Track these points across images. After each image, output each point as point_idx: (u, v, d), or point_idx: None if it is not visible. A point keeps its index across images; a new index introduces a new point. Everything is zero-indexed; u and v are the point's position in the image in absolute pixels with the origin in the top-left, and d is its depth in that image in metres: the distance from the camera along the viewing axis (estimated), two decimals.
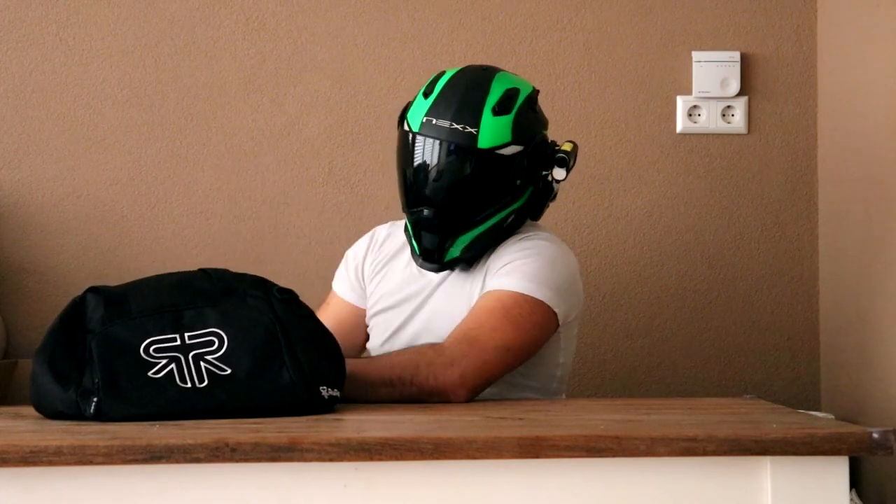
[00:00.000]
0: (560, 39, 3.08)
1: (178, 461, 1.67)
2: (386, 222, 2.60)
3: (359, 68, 3.06)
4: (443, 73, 2.41)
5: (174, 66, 3.05)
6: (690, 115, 3.07)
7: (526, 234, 2.40)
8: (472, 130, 2.30)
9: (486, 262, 2.38)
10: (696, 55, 3.06)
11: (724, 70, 3.06)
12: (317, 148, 3.06)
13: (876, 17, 2.74)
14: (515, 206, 2.37)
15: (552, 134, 2.99)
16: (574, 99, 3.07)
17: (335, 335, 2.29)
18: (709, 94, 3.06)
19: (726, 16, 3.08)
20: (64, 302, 3.04)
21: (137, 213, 3.04)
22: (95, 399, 1.88)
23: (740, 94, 3.07)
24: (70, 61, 3.04)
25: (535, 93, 2.41)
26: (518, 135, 2.33)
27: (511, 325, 2.25)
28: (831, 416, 2.74)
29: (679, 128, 3.07)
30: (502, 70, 2.43)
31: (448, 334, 2.25)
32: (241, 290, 2.04)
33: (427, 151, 2.33)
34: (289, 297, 2.06)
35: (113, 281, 3.02)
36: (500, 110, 2.32)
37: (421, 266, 2.40)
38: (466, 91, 2.34)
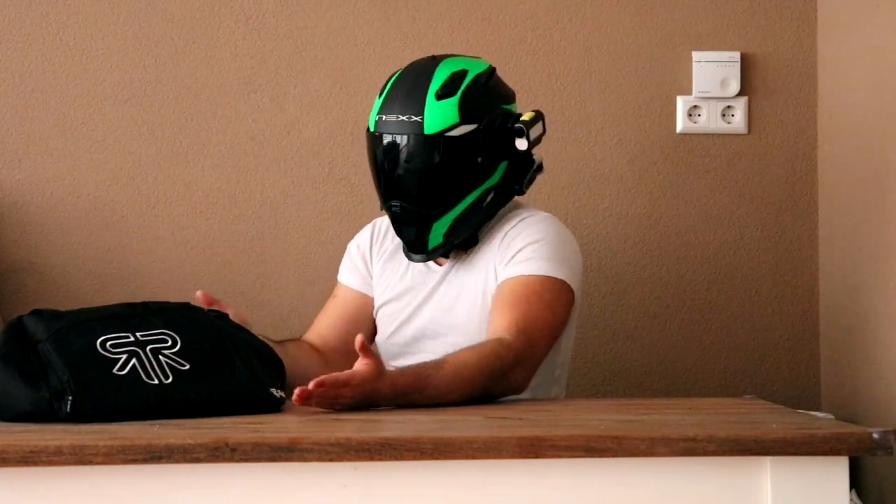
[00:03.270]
0: (560, 39, 3.07)
1: (178, 461, 1.68)
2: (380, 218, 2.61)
3: (359, 68, 3.06)
4: (396, 72, 2.46)
5: (174, 66, 3.05)
6: (690, 115, 3.07)
7: (525, 216, 2.43)
8: (418, 119, 2.35)
9: (492, 249, 2.40)
10: (696, 55, 3.06)
11: (724, 70, 3.05)
12: (317, 148, 3.06)
13: (876, 17, 2.74)
14: (489, 183, 2.40)
15: (553, 133, 2.99)
16: (574, 99, 3.07)
17: (347, 326, 2.41)
18: (709, 94, 3.05)
19: (726, 16, 3.08)
20: (64, 302, 3.05)
21: (137, 213, 3.04)
22: (70, 398, 1.86)
23: (740, 94, 3.07)
24: (70, 61, 3.04)
25: (488, 70, 2.44)
26: (467, 114, 2.36)
27: (549, 311, 2.31)
28: (831, 416, 2.74)
29: (679, 128, 3.07)
30: (454, 55, 2.47)
31: (495, 325, 2.27)
32: (176, 307, 2.09)
33: (384, 148, 2.37)
34: (222, 314, 2.14)
35: (113, 280, 3.04)
36: (443, 93, 2.36)
37: (410, 259, 2.42)
38: (411, 83, 2.39)
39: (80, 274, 3.03)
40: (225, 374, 2.00)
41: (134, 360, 1.93)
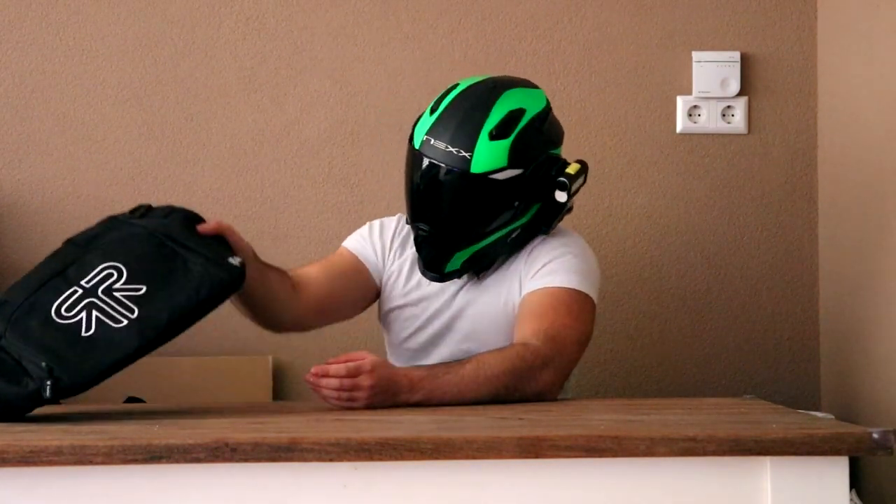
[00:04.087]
0: (560, 39, 3.07)
1: (178, 461, 1.68)
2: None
3: (359, 68, 3.06)
4: (455, 86, 2.41)
5: (174, 66, 3.05)
6: (690, 115, 3.07)
7: (553, 234, 2.44)
8: (466, 155, 2.31)
9: (519, 261, 2.41)
10: (696, 55, 3.06)
11: (724, 70, 3.05)
12: (317, 148, 3.06)
13: (876, 17, 2.74)
14: (519, 223, 2.39)
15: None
16: (574, 99, 3.07)
17: (334, 279, 2.42)
18: (709, 94, 3.05)
19: (726, 16, 3.08)
20: None
21: None
22: (49, 382, 1.84)
23: (740, 94, 3.07)
24: (70, 61, 3.04)
25: (545, 110, 2.41)
26: (516, 159, 2.33)
27: (577, 320, 2.32)
28: (831, 416, 2.74)
29: (679, 128, 3.07)
30: (515, 86, 2.41)
31: (523, 332, 2.29)
32: (103, 231, 2.03)
33: (425, 170, 2.34)
34: (142, 212, 2.07)
35: None
36: (497, 134, 2.32)
37: (424, 276, 2.42)
38: (467, 112, 2.34)
39: None
40: (180, 274, 1.95)
41: (95, 313, 1.89)
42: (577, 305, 2.34)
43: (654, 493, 1.73)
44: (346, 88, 3.05)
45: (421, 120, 2.39)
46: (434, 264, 2.39)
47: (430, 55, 3.06)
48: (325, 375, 2.09)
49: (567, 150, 3.02)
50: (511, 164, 2.33)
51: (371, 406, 2.10)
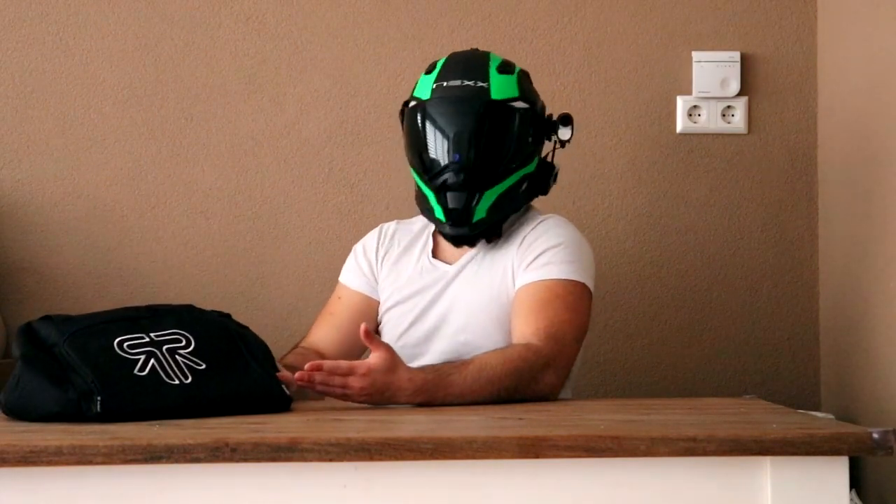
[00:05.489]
0: (560, 39, 3.08)
1: (178, 461, 1.67)
2: (387, 221, 2.62)
3: (359, 68, 3.06)
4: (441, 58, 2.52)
5: (174, 66, 3.05)
6: (690, 115, 3.07)
7: (541, 219, 2.47)
8: (483, 84, 2.41)
9: (511, 250, 2.42)
10: (696, 55, 3.06)
11: (724, 70, 3.06)
12: (317, 148, 3.06)
13: (876, 18, 2.74)
14: (527, 170, 2.44)
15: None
16: (574, 99, 3.07)
17: (347, 331, 2.42)
18: (709, 94, 3.05)
19: (726, 16, 3.08)
20: (64, 302, 3.06)
21: (137, 213, 3.04)
22: (100, 398, 1.88)
23: (740, 94, 3.07)
24: (70, 61, 3.04)
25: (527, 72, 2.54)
26: (523, 93, 2.45)
27: (575, 314, 2.34)
28: (831, 416, 2.74)
29: (679, 128, 3.07)
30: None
31: (522, 330, 2.29)
32: (183, 307, 2.10)
33: (442, 113, 2.39)
34: (225, 313, 2.14)
35: (113, 280, 3.04)
36: (503, 70, 2.44)
37: (448, 233, 2.42)
38: (469, 58, 2.47)
39: (80, 274, 3.03)
40: (240, 371, 2.01)
41: (153, 361, 1.94)
42: (574, 297, 2.35)
43: (654, 493, 1.73)
44: (346, 88, 3.05)
45: (419, 84, 2.47)
46: (462, 214, 2.38)
47: (430, 55, 3.05)
48: (319, 369, 2.08)
49: (567, 150, 3.02)
50: (521, 97, 2.44)
51: (370, 403, 2.11)
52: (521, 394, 2.20)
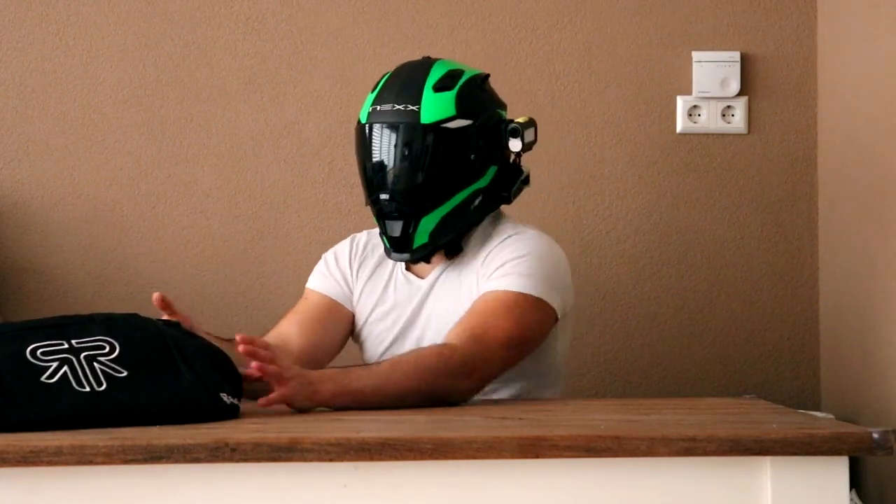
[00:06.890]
0: (560, 39, 3.07)
1: (178, 461, 1.67)
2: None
3: (359, 68, 3.06)
4: (388, 72, 2.44)
5: (174, 66, 3.05)
6: (690, 115, 3.07)
7: (512, 234, 2.39)
8: (414, 108, 2.33)
9: (476, 262, 2.37)
10: (696, 55, 3.06)
11: (724, 70, 3.06)
12: (317, 148, 3.06)
13: (876, 17, 2.74)
14: (478, 185, 2.37)
15: (553, 133, 2.99)
16: (574, 99, 3.07)
17: (311, 328, 2.37)
18: (709, 94, 3.05)
19: (726, 16, 3.08)
20: (64, 302, 3.05)
21: (137, 213, 3.04)
22: None
23: (740, 94, 3.07)
24: (70, 61, 3.04)
25: (483, 74, 2.44)
26: (463, 109, 2.35)
27: (513, 322, 2.25)
28: (831, 416, 2.74)
29: (679, 128, 3.07)
30: (447, 60, 2.46)
31: (451, 332, 2.25)
32: (122, 316, 2.00)
33: (376, 138, 2.35)
34: (173, 322, 2.05)
35: (113, 280, 3.04)
36: (441, 86, 2.35)
37: (392, 258, 2.39)
38: (408, 76, 2.38)
39: (80, 274, 3.03)
40: (167, 380, 1.91)
41: (65, 368, 1.85)
42: (520, 309, 2.27)
43: (654, 493, 1.73)
44: (346, 88, 3.05)
45: (365, 101, 2.41)
46: (401, 242, 2.34)
47: (430, 55, 3.05)
48: (255, 357, 2.00)
49: (567, 150, 3.03)
50: (459, 114, 2.34)
51: (294, 406, 2.04)
52: (436, 391, 2.13)
